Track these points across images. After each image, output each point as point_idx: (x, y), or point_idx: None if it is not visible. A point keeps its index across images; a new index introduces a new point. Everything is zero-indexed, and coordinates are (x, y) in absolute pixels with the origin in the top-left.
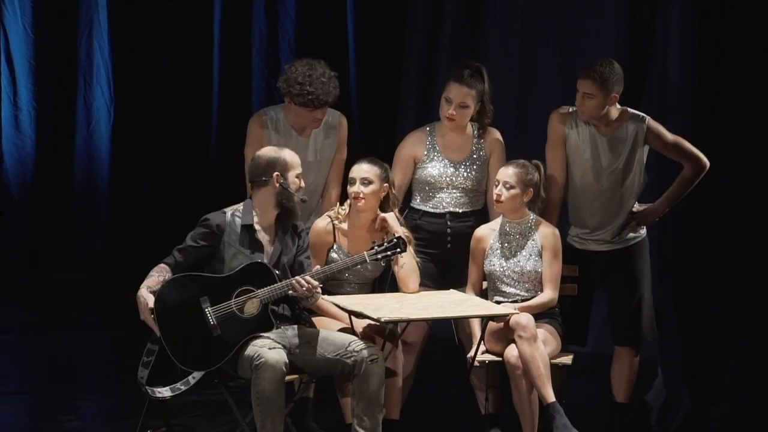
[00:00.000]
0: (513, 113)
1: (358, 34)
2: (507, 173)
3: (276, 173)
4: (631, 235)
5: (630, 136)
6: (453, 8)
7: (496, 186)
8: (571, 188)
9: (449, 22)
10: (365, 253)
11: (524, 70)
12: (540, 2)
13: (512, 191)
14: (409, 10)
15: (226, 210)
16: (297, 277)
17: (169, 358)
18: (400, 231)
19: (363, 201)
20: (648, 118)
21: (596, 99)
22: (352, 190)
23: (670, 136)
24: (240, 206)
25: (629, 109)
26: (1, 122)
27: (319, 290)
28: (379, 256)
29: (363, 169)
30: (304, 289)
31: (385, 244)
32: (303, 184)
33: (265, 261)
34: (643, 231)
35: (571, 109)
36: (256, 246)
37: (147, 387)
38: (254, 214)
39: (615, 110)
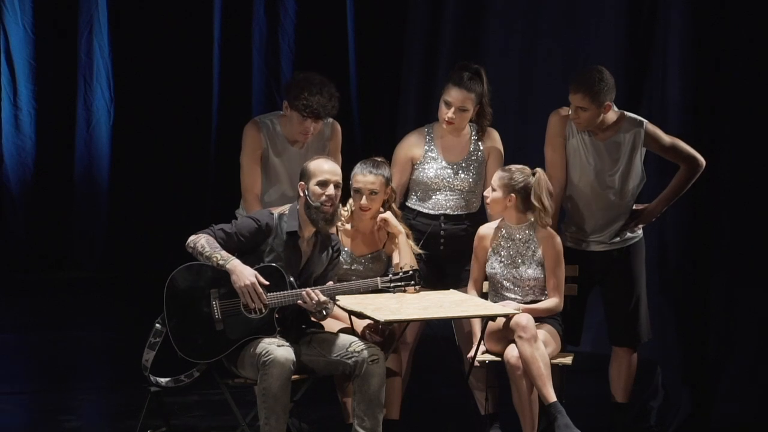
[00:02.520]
0: (513, 113)
1: (358, 34)
2: (494, 176)
3: (301, 182)
4: (629, 235)
5: (628, 141)
6: (453, 8)
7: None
8: (569, 191)
9: (449, 22)
10: (378, 279)
11: (524, 70)
12: (540, 2)
13: (493, 194)
14: (410, 10)
15: (273, 211)
16: (308, 290)
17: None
18: (402, 231)
19: (370, 211)
20: (646, 122)
21: (589, 111)
22: (360, 203)
23: (667, 138)
24: (286, 209)
25: (626, 113)
26: (1, 122)
27: (330, 305)
28: (391, 285)
29: (369, 181)
30: (314, 302)
31: (401, 274)
32: (330, 192)
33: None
34: (640, 231)
35: (570, 111)
36: (296, 255)
37: (150, 374)
38: (299, 221)
39: (613, 114)
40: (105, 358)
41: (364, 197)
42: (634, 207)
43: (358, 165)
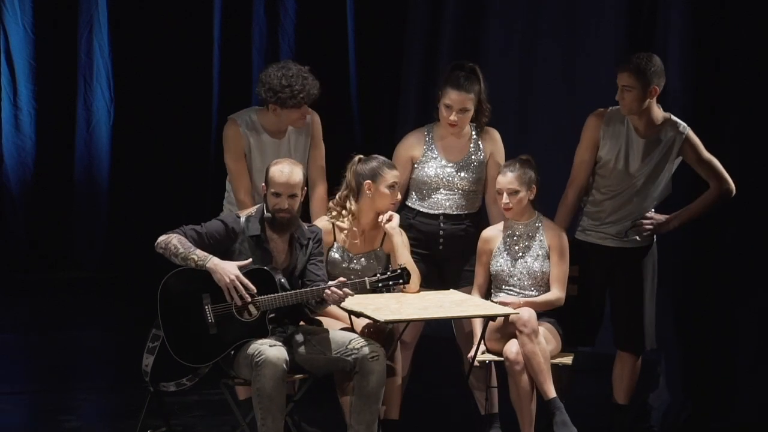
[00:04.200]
0: (513, 113)
1: (358, 34)
2: (507, 180)
3: (263, 184)
4: (638, 239)
5: (667, 143)
6: (453, 8)
7: (500, 195)
8: (595, 184)
9: (449, 22)
10: (366, 279)
11: (524, 70)
12: (540, 2)
13: (518, 195)
14: (410, 10)
15: (240, 214)
16: (332, 287)
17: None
18: (399, 235)
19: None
20: (689, 129)
21: (635, 91)
22: (397, 198)
23: (705, 152)
24: (253, 210)
25: (672, 116)
26: (1, 122)
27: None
28: (380, 285)
29: (395, 174)
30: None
31: (389, 273)
32: (285, 206)
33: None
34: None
35: (609, 109)
36: (266, 257)
37: (152, 381)
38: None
39: (659, 113)
40: (105, 358)
41: (395, 188)
42: (650, 214)
43: (375, 158)
